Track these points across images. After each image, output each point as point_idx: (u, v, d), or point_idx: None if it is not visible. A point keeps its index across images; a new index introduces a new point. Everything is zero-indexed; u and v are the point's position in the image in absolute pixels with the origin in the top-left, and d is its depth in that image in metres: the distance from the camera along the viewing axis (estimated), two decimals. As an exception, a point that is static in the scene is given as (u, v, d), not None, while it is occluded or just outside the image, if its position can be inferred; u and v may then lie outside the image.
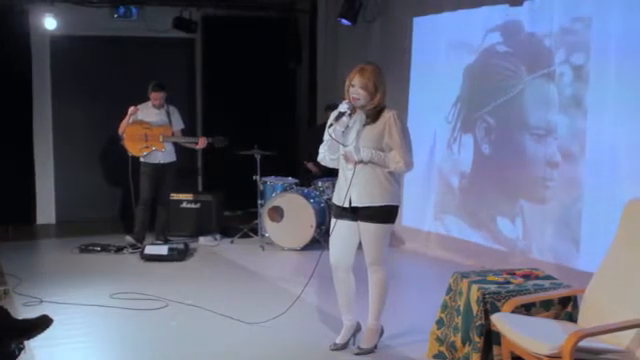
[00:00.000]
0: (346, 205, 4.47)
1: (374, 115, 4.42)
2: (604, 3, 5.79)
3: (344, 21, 8.68)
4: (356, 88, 4.38)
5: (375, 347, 4.61)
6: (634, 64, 5.54)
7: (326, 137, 4.52)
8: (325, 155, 4.58)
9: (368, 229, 4.45)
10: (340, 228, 4.53)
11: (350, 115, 4.42)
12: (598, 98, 5.87)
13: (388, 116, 4.41)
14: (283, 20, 10.25)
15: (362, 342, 4.62)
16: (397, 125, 4.39)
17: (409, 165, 4.43)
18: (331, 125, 4.43)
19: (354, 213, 4.48)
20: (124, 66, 9.39)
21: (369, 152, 4.38)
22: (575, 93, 6.08)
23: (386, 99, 4.46)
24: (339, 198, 4.53)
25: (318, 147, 4.66)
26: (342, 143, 4.45)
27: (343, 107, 4.42)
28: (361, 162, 4.39)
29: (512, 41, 6.81)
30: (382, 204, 4.43)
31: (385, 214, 4.46)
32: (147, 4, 9.45)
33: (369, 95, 4.37)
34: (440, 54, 7.73)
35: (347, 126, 4.44)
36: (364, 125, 4.43)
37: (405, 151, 4.39)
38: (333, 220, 4.61)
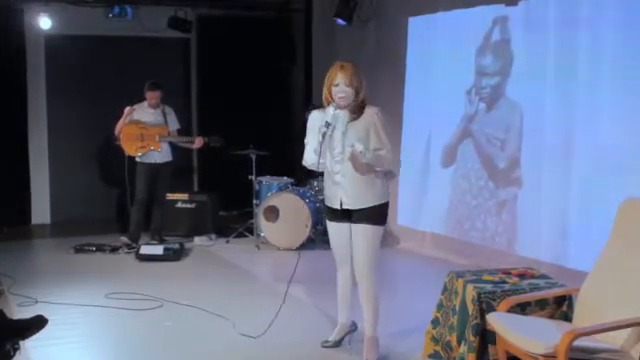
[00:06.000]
0: (337, 207, 4.38)
1: (358, 111, 4.28)
2: (599, 4, 5.80)
3: (339, 21, 8.69)
4: (341, 87, 4.24)
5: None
6: (628, 64, 5.55)
7: (307, 140, 4.45)
8: (311, 159, 4.40)
9: (361, 231, 4.33)
10: (339, 229, 4.43)
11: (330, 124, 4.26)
12: (590, 97, 5.87)
13: (371, 113, 4.28)
14: (278, 20, 10.25)
15: (365, 352, 4.45)
16: (383, 124, 4.27)
17: (392, 165, 4.37)
18: (324, 133, 4.24)
19: (347, 215, 4.38)
20: (119, 66, 9.37)
21: (370, 154, 4.20)
22: (567, 92, 6.08)
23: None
24: (330, 201, 4.45)
25: None
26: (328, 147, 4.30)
27: (330, 114, 4.25)
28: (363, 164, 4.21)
29: (507, 40, 6.82)
30: (374, 204, 4.33)
31: (378, 214, 4.37)
32: (142, 4, 9.43)
33: (355, 92, 4.25)
34: (435, 54, 7.74)
35: (333, 128, 4.28)
36: (348, 122, 4.28)
37: (390, 151, 4.29)
38: (328, 223, 4.55)
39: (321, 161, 4.33)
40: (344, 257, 4.48)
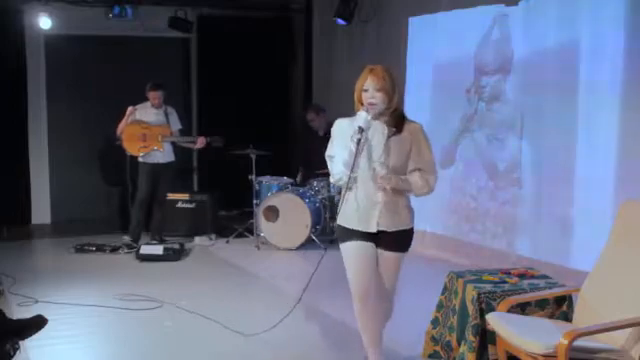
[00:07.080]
0: (372, 230, 3.87)
1: (398, 124, 3.84)
2: (599, 3, 5.80)
3: (339, 21, 8.69)
4: (371, 92, 3.76)
5: None
6: (629, 63, 5.55)
7: (332, 152, 3.96)
8: (340, 173, 3.89)
9: (391, 258, 3.92)
10: (365, 248, 3.89)
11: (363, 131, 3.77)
12: (590, 96, 5.87)
13: (415, 128, 3.88)
14: (278, 20, 10.25)
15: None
16: (427, 141, 3.87)
17: (433, 190, 3.94)
18: (359, 140, 3.75)
19: (375, 238, 3.90)
20: (119, 66, 9.36)
21: (395, 179, 3.81)
22: (567, 91, 6.07)
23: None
24: (358, 222, 3.88)
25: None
26: (363, 160, 3.80)
27: (361, 119, 3.76)
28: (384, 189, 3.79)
29: (507, 39, 6.82)
30: (407, 227, 3.94)
31: (408, 239, 3.98)
32: (142, 4, 9.43)
33: (387, 97, 3.78)
34: (435, 54, 7.74)
35: (366, 139, 3.80)
36: (389, 136, 3.82)
37: (433, 172, 3.92)
38: (348, 245, 3.92)
39: (352, 175, 3.81)
40: (367, 284, 3.88)
